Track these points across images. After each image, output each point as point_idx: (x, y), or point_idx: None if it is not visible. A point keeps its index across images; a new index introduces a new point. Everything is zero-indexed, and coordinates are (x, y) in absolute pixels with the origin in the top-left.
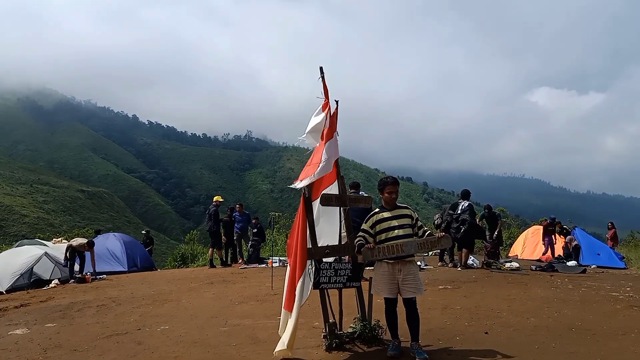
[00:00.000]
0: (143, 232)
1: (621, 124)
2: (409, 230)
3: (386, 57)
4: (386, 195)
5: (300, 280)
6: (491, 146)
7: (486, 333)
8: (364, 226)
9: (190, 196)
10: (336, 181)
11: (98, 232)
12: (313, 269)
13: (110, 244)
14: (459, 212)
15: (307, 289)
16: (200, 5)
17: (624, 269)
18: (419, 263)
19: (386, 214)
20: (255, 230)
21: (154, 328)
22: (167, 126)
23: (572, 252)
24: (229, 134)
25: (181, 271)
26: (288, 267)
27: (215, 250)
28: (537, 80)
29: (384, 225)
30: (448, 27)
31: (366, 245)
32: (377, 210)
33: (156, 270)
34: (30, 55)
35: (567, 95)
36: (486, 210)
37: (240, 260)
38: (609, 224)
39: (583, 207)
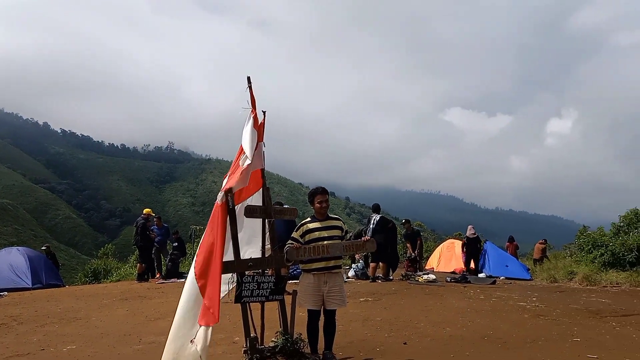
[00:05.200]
0: (43, 247)
1: (526, 146)
2: (338, 242)
3: (309, 72)
4: (317, 205)
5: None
6: (410, 163)
7: (405, 343)
8: (294, 234)
9: (106, 209)
10: (260, 192)
11: None
12: (234, 282)
13: (13, 258)
14: (371, 225)
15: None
16: (120, 14)
17: (530, 280)
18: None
19: (317, 224)
20: (176, 244)
21: (59, 348)
22: (82, 135)
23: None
24: (149, 145)
25: (92, 287)
26: (193, 278)
27: (139, 264)
28: (450, 100)
29: (314, 235)
30: (368, 44)
31: (292, 245)
32: (308, 220)
33: (64, 286)
34: None
35: (477, 117)
36: (405, 229)
37: (157, 275)
38: (509, 237)
39: (492, 223)
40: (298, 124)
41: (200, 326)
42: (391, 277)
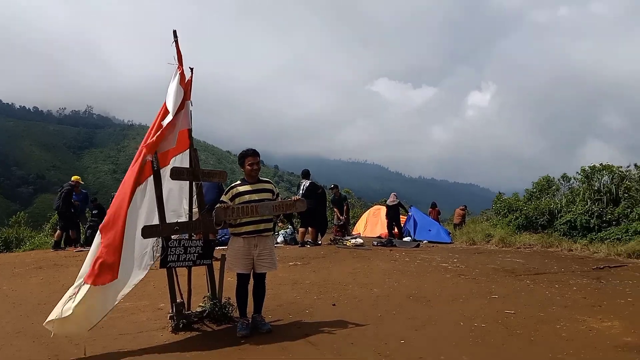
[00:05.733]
0: None
1: (448, 117)
2: (268, 202)
3: (238, 40)
4: (247, 167)
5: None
6: (338, 133)
7: (334, 305)
8: (224, 197)
9: (18, 175)
10: (187, 153)
11: None
12: (159, 246)
13: None
14: (301, 191)
15: (136, 270)
16: None
17: (451, 243)
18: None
19: (247, 187)
20: (96, 211)
21: None
22: None
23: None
24: (65, 108)
25: (3, 256)
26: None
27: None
28: (378, 72)
29: (244, 198)
30: (297, 15)
31: (221, 205)
32: (237, 182)
33: None
34: None
35: (404, 88)
36: (333, 194)
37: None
38: (432, 203)
39: (416, 191)
40: (226, 92)
41: (85, 284)
42: (320, 242)
